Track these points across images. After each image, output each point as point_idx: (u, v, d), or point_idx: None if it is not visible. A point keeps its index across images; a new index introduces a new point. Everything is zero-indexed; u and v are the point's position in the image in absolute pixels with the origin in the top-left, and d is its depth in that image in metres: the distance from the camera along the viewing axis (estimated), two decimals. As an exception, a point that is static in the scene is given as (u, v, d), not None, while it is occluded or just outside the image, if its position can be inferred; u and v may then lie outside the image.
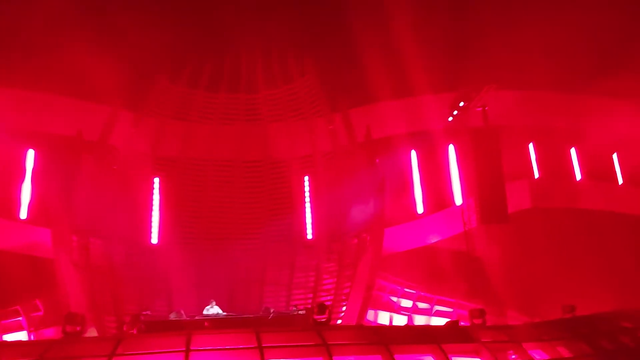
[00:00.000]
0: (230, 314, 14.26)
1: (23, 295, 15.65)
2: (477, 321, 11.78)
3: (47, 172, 17.00)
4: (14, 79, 16.12)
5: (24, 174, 17.17)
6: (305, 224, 20.14)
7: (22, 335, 15.52)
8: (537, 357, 10.52)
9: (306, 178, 20.63)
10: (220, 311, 14.27)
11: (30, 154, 17.43)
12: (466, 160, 18.40)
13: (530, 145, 20.55)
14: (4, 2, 15.80)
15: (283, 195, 20.57)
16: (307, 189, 20.59)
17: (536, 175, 20.42)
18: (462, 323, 13.27)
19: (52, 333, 15.31)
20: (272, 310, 13.75)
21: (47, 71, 16.16)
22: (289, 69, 20.84)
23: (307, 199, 20.45)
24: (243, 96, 20.87)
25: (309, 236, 20.00)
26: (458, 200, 19.18)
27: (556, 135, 20.13)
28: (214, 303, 14.57)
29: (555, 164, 20.53)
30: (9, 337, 15.16)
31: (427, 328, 15.38)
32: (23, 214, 16.96)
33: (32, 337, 15.46)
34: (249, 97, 20.90)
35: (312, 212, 20.23)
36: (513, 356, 10.54)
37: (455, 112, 18.10)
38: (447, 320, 15.15)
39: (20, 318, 15.72)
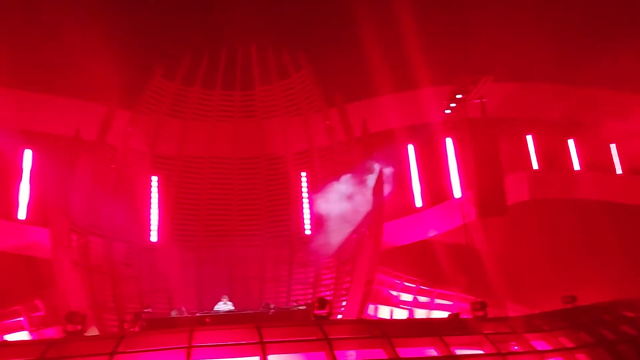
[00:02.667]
0: (231, 310, 14.26)
1: (23, 296, 15.57)
2: (479, 313, 11.77)
3: (45, 171, 16.88)
4: (11, 79, 16.02)
5: (21, 174, 17.06)
6: (303, 219, 20.10)
7: (23, 336, 15.45)
8: (539, 347, 10.52)
9: (303, 174, 20.58)
10: (232, 307, 14.30)
11: (28, 154, 17.32)
12: (464, 152, 18.38)
13: (529, 137, 20.54)
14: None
15: (280, 191, 20.51)
16: (304, 184, 20.53)
17: (534, 166, 20.41)
18: (463, 316, 13.25)
19: (53, 333, 15.25)
20: (272, 306, 13.73)
21: (43, 71, 16.05)
22: (284, 64, 20.74)
23: (305, 195, 20.39)
24: (238, 93, 20.77)
25: (307, 232, 19.96)
26: (457, 193, 19.15)
27: (554, 126, 20.14)
28: (226, 299, 14.58)
29: (553, 155, 20.56)
30: (10, 337, 15.09)
31: (429, 321, 15.36)
32: (21, 215, 16.86)
33: (33, 337, 15.40)
34: (245, 94, 20.81)
35: (310, 208, 20.18)
36: (515, 347, 10.54)
37: (452, 105, 18.06)
38: (448, 313, 15.16)
39: (21, 318, 15.64)
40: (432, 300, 18.41)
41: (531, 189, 19.41)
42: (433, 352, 9.93)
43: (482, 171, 17.44)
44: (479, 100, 17.72)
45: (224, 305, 14.41)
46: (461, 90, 17.63)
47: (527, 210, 18.83)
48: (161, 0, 18.58)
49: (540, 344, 10.61)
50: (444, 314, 16.38)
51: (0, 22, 15.15)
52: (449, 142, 19.63)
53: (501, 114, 18.16)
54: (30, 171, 17.13)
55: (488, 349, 10.08)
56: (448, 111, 18.30)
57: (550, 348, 10.39)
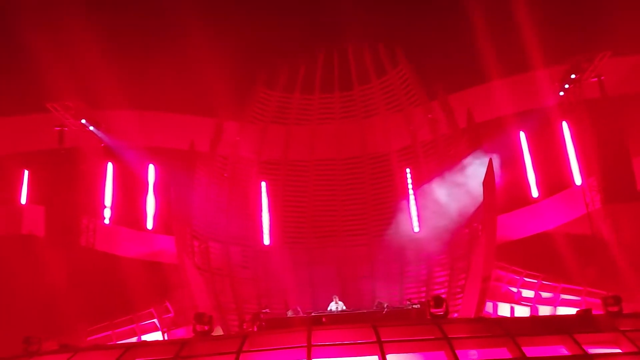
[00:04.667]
0: (345, 309, 14.41)
1: (155, 299, 16.94)
2: (613, 309, 10.75)
3: (167, 184, 18.30)
4: (134, 101, 17.62)
5: (147, 187, 18.66)
6: (410, 216, 19.79)
7: (157, 335, 16.83)
8: (689, 346, 9.37)
9: (408, 170, 20.27)
10: (343, 306, 14.49)
11: (151, 168, 18.89)
12: (584, 136, 17.02)
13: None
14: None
15: (386, 189, 20.40)
16: (409, 181, 20.21)
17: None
18: (594, 312, 12.22)
19: (182, 333, 16.46)
20: (386, 305, 13.67)
21: (160, 92, 17.43)
22: (381, 61, 20.58)
23: (411, 191, 20.06)
24: (337, 94, 20.99)
25: (416, 229, 19.61)
26: (577, 180, 17.75)
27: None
28: (337, 298, 14.80)
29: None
30: (146, 337, 16.52)
31: (556, 318, 14.37)
32: (149, 225, 18.42)
33: (165, 337, 16.71)
34: (344, 95, 20.99)
35: (416, 204, 19.81)
36: (660, 346, 9.49)
37: (566, 86, 16.81)
38: (576, 309, 14.06)
39: (154, 320, 17.04)
40: (557, 296, 17.20)
41: (666, 171, 17.41)
42: (563, 351, 9.24)
43: (606, 155, 16.06)
44: (596, 79, 16.31)
45: (335, 305, 14.59)
46: (575, 69, 16.35)
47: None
48: (254, 14, 19.19)
49: (690, 343, 9.45)
50: (571, 311, 15.24)
51: (122, 53, 16.72)
52: (565, 126, 18.22)
53: (623, 90, 16.53)
54: (154, 184, 18.68)
55: (627, 348, 9.18)
56: (562, 93, 17.02)
57: None
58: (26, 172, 18.74)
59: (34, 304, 15.38)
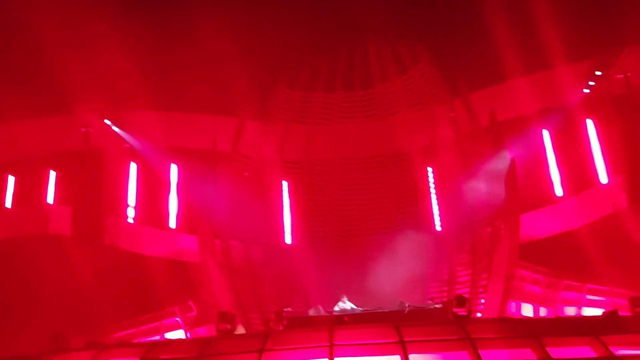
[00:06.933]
0: (366, 308, 14.36)
1: (178, 297, 17.14)
2: (640, 310, 10.59)
3: (189, 183, 18.51)
4: (156, 102, 17.85)
5: (170, 187, 18.91)
6: (432, 215, 19.67)
7: (180, 334, 17.04)
8: None
9: (429, 169, 20.15)
10: (353, 306, 14.44)
11: (174, 168, 19.13)
12: (609, 134, 16.69)
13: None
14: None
15: (407, 188, 20.30)
16: (431, 179, 20.09)
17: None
18: (621, 313, 11.99)
19: (205, 331, 16.63)
20: (407, 304, 13.59)
21: (182, 92, 17.63)
22: (402, 59, 20.47)
23: (433, 190, 19.94)
24: (359, 93, 20.97)
25: (438, 228, 19.47)
26: (603, 179, 17.42)
27: None
28: (345, 298, 14.76)
29: None
30: (169, 335, 16.74)
31: (582, 319, 14.16)
32: (172, 224, 18.65)
33: (188, 335, 16.90)
34: (365, 93, 20.95)
35: (438, 203, 19.68)
36: (691, 348, 9.28)
37: (591, 83, 16.50)
38: (602, 310, 13.81)
39: (177, 318, 17.25)
40: (582, 296, 16.90)
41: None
42: (589, 353, 9.10)
43: (633, 152, 15.69)
44: (622, 75, 15.98)
45: (343, 305, 14.50)
46: (601, 65, 16.04)
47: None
48: (274, 13, 19.19)
49: None
50: (597, 311, 14.97)
51: (144, 54, 16.95)
52: (589, 123, 17.89)
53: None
54: (177, 184, 18.92)
55: (655, 350, 9.02)
56: (586, 90, 16.71)
57: None
58: (53, 173, 19.14)
59: (62, 302, 15.70)
